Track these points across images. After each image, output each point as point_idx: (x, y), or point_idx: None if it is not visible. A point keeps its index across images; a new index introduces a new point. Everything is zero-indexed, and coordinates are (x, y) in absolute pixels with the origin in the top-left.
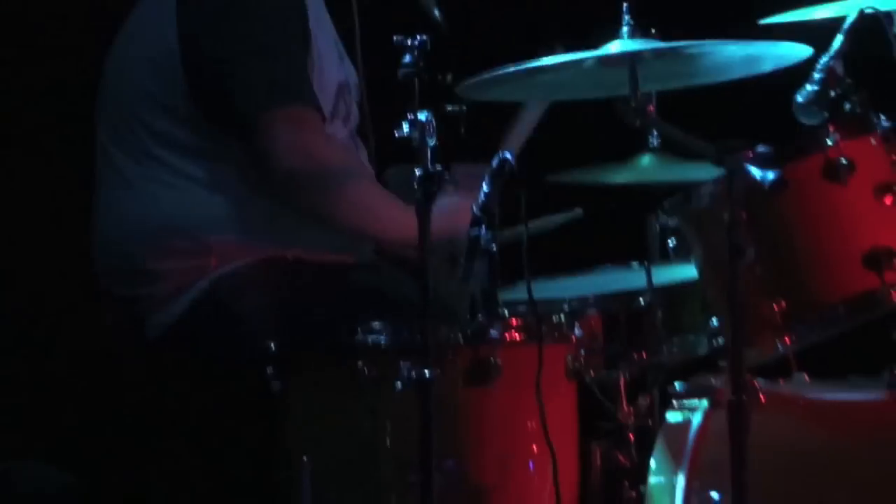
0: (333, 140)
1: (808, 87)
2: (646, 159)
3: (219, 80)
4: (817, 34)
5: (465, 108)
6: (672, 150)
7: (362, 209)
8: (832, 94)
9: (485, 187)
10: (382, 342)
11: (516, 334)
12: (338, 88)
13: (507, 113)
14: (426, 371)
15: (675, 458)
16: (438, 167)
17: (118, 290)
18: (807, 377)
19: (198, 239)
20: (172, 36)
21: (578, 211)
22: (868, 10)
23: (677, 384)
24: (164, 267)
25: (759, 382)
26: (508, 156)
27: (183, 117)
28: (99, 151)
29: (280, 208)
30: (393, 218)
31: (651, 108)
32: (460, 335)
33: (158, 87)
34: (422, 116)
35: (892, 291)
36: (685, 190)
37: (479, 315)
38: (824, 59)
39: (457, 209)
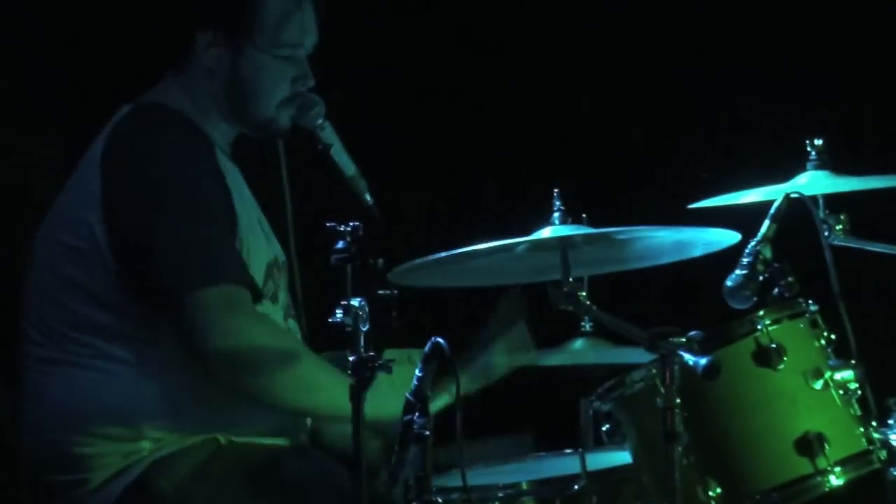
0: (265, 318)
1: (738, 272)
2: (578, 343)
3: (146, 262)
4: (746, 219)
5: (396, 292)
6: (605, 334)
7: (303, 387)
8: (761, 278)
9: (417, 372)
10: None
11: None
12: (266, 268)
13: (435, 297)
14: None
15: None
16: (371, 353)
17: (46, 478)
18: None
19: (128, 423)
20: (97, 220)
21: None
22: (794, 195)
23: None
24: (95, 451)
25: None
26: (441, 340)
27: (108, 303)
28: (22, 338)
29: (212, 389)
30: (338, 393)
31: (583, 292)
32: None
33: (82, 274)
34: (355, 302)
35: (825, 477)
36: (618, 376)
37: (413, 502)
38: (752, 244)
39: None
